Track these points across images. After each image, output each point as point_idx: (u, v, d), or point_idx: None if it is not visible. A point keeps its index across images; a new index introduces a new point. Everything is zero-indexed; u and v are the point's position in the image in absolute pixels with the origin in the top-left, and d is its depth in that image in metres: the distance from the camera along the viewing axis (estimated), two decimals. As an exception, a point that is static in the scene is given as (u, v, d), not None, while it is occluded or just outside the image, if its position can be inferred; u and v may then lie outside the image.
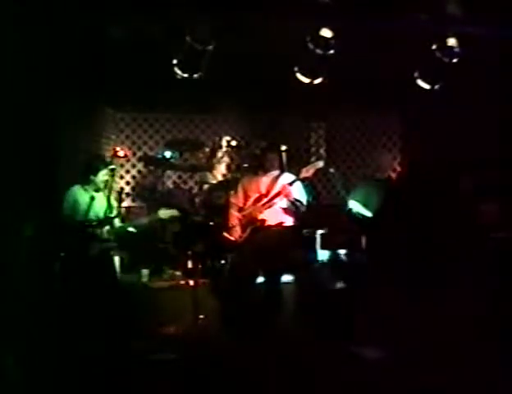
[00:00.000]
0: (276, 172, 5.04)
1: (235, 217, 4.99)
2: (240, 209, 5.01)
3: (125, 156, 5.72)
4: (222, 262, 5.46)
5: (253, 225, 4.83)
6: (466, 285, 5.01)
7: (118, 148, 5.39)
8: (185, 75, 5.09)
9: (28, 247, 4.60)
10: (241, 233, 4.89)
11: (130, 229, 4.81)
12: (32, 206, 4.74)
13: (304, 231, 6.55)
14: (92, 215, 4.63)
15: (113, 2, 4.75)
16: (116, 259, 5.26)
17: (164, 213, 4.80)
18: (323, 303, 5.07)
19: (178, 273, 5.75)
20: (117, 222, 4.76)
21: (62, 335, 4.07)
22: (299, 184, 4.90)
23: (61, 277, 4.37)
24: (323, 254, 6.17)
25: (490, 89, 5.77)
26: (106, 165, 4.77)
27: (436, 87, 5.51)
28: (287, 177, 4.97)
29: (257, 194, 4.93)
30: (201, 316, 4.87)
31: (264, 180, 5.00)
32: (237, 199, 5.09)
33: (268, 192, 4.89)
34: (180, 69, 5.08)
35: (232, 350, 4.27)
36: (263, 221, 4.82)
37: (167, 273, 5.87)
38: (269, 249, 4.77)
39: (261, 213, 4.84)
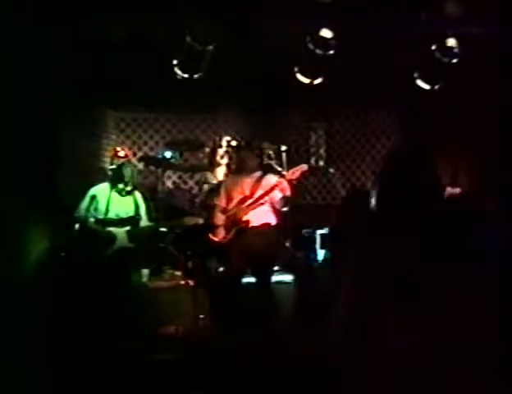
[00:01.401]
0: (258, 173, 4.99)
1: (219, 218, 4.95)
2: (224, 210, 4.98)
3: (126, 156, 5.74)
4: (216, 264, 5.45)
5: (237, 226, 4.82)
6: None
7: (119, 149, 5.41)
8: (186, 76, 5.10)
9: (37, 247, 4.62)
10: (225, 234, 4.87)
11: (161, 229, 4.86)
12: (33, 206, 4.75)
13: (304, 230, 6.57)
14: (114, 214, 4.66)
15: (113, 3, 4.76)
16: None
17: (189, 220, 4.84)
18: (323, 302, 5.06)
19: (178, 273, 5.75)
20: (145, 221, 4.78)
21: (64, 334, 4.08)
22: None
23: (73, 275, 4.39)
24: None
25: (490, 89, 5.77)
26: (134, 171, 4.81)
27: (436, 87, 5.51)
28: (270, 178, 4.95)
29: (241, 196, 4.90)
30: (201, 316, 4.89)
31: (247, 181, 4.94)
32: (220, 200, 5.04)
33: (252, 193, 4.85)
34: (180, 69, 5.09)
35: (232, 350, 4.27)
36: (248, 222, 4.81)
37: (167, 273, 5.87)
38: (255, 250, 4.79)
39: (246, 214, 4.82)
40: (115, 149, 5.40)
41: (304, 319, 5.01)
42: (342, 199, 5.64)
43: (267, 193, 4.79)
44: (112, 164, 5.06)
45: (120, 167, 4.88)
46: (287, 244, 6.44)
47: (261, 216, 4.87)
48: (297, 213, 6.74)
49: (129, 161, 5.38)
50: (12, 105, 4.48)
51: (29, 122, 4.76)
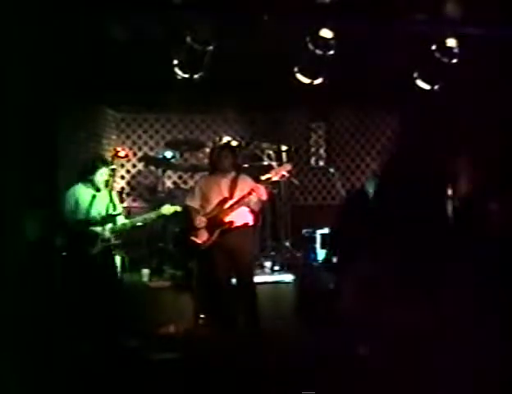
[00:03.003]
0: (233, 173, 4.96)
1: (200, 220, 4.88)
2: (202, 212, 4.90)
3: (126, 156, 5.73)
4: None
5: (221, 227, 4.81)
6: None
7: (119, 149, 5.40)
8: (186, 76, 5.10)
9: (29, 246, 4.61)
10: (209, 236, 4.84)
11: (138, 224, 4.81)
12: (33, 206, 4.76)
13: (304, 230, 6.58)
14: (94, 213, 4.64)
15: (113, 2, 4.77)
16: (118, 259, 5.27)
17: (167, 209, 4.80)
18: (323, 302, 5.07)
19: (178, 273, 5.76)
20: (121, 219, 4.76)
21: (62, 334, 4.08)
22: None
23: (62, 276, 4.38)
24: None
25: (489, 89, 5.78)
26: (105, 164, 4.76)
27: (436, 87, 5.52)
28: (246, 179, 4.93)
29: (220, 197, 4.88)
30: (201, 316, 4.90)
31: (224, 182, 4.89)
32: (195, 201, 4.95)
33: (232, 194, 4.83)
34: (180, 69, 5.09)
35: (233, 349, 4.28)
36: (232, 222, 4.81)
37: (168, 273, 5.88)
38: (240, 249, 4.80)
39: (227, 215, 4.82)
40: (115, 149, 5.39)
41: (303, 318, 5.02)
42: (344, 199, 5.64)
43: (248, 194, 4.78)
44: (112, 164, 5.05)
45: (90, 162, 4.80)
46: (287, 243, 6.47)
47: (242, 216, 4.86)
48: (297, 213, 6.79)
49: (100, 157, 5.35)
50: (12, 105, 4.49)
51: (28, 122, 4.76)
